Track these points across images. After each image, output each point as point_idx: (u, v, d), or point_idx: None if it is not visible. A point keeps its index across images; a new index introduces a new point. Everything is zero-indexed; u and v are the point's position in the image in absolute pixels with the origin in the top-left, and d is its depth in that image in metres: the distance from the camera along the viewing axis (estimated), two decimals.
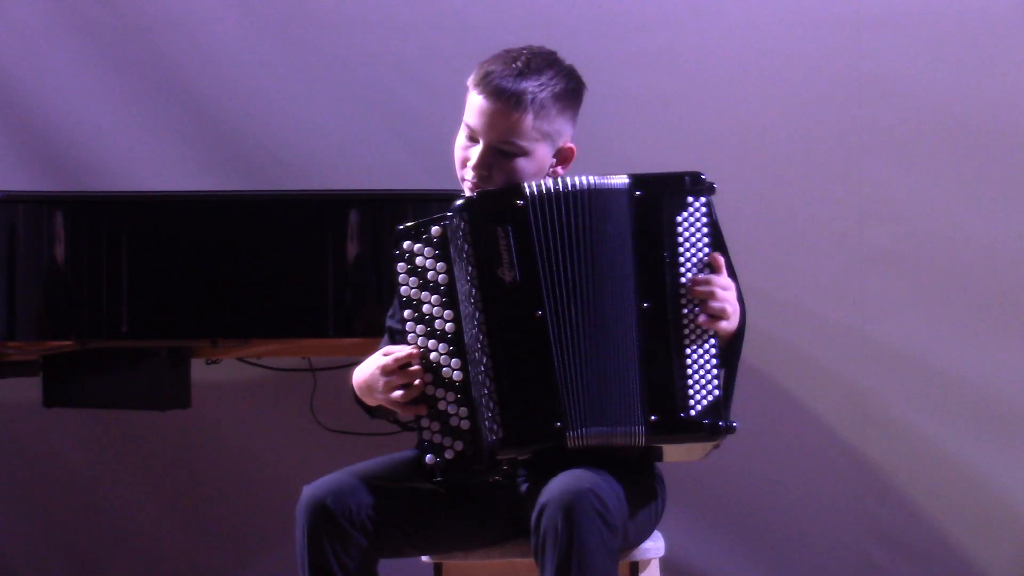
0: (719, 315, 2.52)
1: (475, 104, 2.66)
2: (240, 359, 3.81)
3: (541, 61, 2.67)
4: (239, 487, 4.07)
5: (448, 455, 2.57)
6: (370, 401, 2.66)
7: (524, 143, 2.64)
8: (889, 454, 3.88)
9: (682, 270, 2.53)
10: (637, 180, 2.57)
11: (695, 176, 2.57)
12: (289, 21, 3.99)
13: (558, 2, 3.91)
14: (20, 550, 4.13)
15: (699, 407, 2.52)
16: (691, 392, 2.52)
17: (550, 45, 2.75)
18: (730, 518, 3.93)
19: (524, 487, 2.64)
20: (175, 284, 3.33)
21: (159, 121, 4.00)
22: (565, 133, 2.71)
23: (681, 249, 2.54)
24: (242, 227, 3.36)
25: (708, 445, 2.55)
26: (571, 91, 2.70)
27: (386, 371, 2.57)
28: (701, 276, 2.53)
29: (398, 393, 2.56)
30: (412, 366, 2.56)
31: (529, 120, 2.64)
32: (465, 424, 2.55)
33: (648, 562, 2.72)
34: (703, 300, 2.52)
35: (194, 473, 4.09)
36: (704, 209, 2.55)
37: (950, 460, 3.85)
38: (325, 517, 2.54)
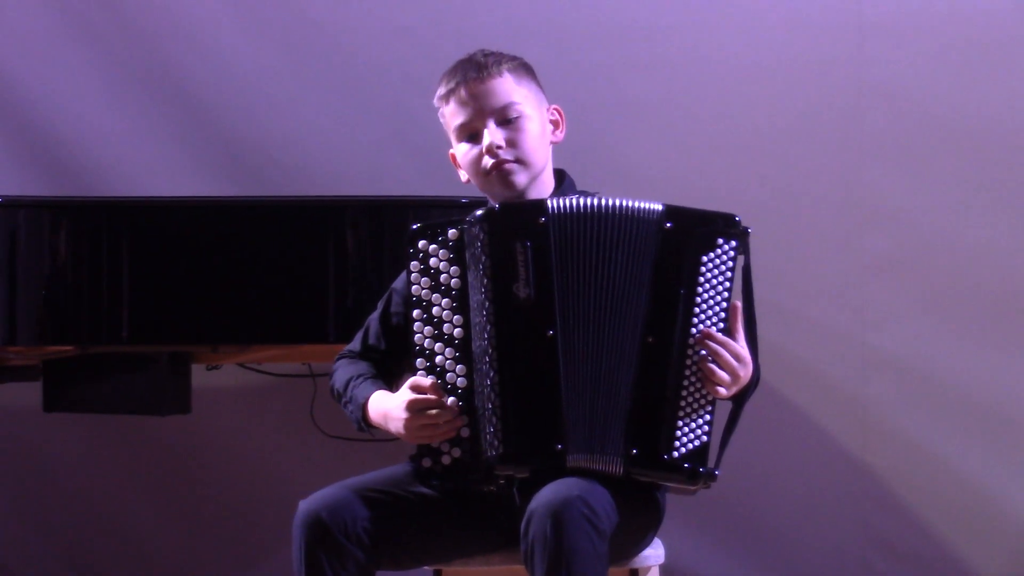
0: (719, 382, 2.52)
1: (457, 105, 2.71)
2: (240, 364, 3.81)
3: (486, 51, 2.74)
4: (239, 492, 4.07)
5: (445, 460, 2.57)
6: (390, 428, 2.63)
7: (518, 102, 2.68)
8: (889, 461, 3.87)
9: (696, 309, 2.52)
10: (670, 211, 2.54)
11: (729, 218, 2.54)
12: (290, 26, 3.99)
13: (559, 8, 3.91)
14: (20, 554, 4.12)
15: (683, 450, 2.51)
16: (678, 434, 2.51)
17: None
18: (730, 525, 3.92)
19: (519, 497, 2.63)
20: (176, 289, 3.32)
21: (160, 126, 4.00)
22: (544, 99, 2.75)
23: (700, 289, 2.52)
24: (243, 232, 3.36)
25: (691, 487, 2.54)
26: (528, 65, 2.75)
27: (412, 409, 2.55)
28: (719, 335, 2.51)
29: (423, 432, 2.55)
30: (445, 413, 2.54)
31: (509, 81, 2.69)
32: (465, 432, 2.55)
33: (648, 569, 2.72)
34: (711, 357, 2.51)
35: (194, 478, 4.09)
36: (732, 253, 2.53)
37: (950, 467, 3.85)
38: (321, 531, 2.53)
